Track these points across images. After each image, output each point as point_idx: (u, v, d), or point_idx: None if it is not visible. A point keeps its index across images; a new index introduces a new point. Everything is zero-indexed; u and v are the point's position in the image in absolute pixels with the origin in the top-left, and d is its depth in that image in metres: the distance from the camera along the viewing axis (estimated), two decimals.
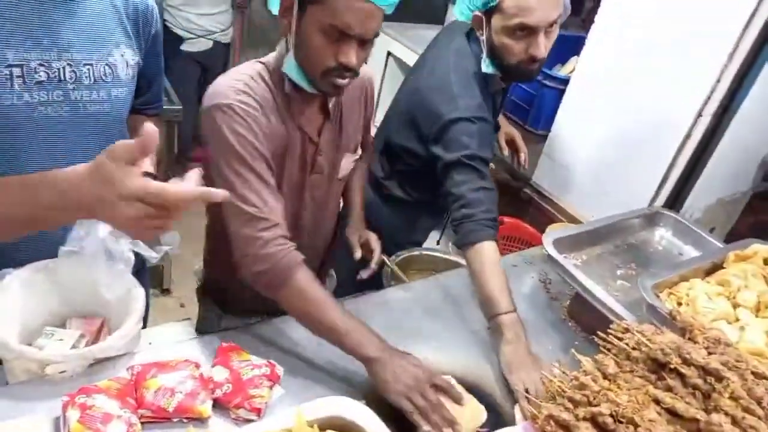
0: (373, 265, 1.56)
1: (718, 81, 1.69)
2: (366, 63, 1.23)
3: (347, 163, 1.42)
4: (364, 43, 1.15)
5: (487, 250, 1.41)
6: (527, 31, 1.46)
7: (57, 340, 1.20)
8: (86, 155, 1.14)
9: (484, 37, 1.55)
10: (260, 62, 1.26)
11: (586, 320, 1.48)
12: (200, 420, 1.05)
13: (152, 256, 1.20)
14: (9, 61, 1.05)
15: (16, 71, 1.06)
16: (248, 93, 1.18)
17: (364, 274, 1.55)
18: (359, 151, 1.46)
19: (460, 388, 1.16)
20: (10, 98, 1.07)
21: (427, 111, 1.58)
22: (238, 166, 1.16)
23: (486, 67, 1.58)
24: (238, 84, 1.19)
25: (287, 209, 1.29)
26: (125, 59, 1.20)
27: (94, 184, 0.72)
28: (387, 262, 1.75)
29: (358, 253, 1.55)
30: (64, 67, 1.11)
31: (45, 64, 1.09)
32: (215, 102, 1.16)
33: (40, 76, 1.09)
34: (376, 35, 1.15)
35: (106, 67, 1.17)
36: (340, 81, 1.17)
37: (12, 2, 1.05)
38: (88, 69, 1.14)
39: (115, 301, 1.22)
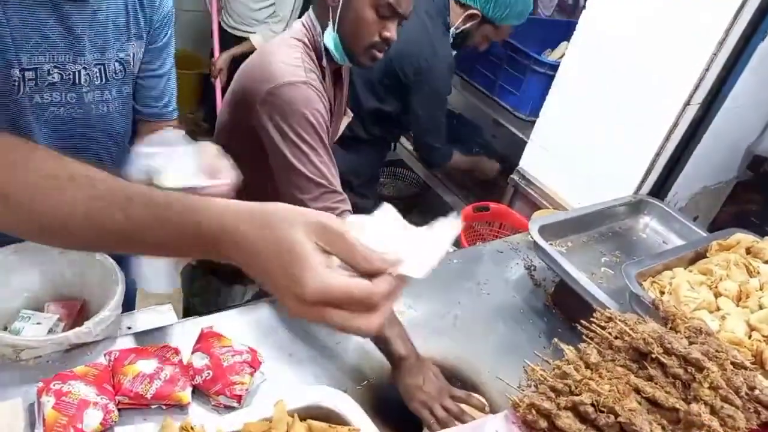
0: None
1: (707, 69, 1.68)
2: None
3: (343, 126, 1.53)
4: (403, 19, 1.27)
5: None
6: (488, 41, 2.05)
7: (34, 324, 1.18)
8: (94, 151, 1.17)
9: None
10: (294, 38, 1.30)
11: (570, 307, 1.49)
12: (179, 407, 1.03)
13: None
14: (23, 65, 1.01)
15: (29, 74, 1.02)
16: (312, 71, 1.25)
17: None
18: (349, 114, 1.57)
19: (478, 397, 1.16)
20: (21, 100, 1.04)
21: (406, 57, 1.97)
22: (312, 139, 1.19)
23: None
24: (299, 62, 1.24)
25: None
26: (135, 53, 1.16)
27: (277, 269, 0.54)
28: None
29: None
30: (79, 71, 1.07)
31: (59, 66, 1.05)
32: (287, 80, 1.19)
33: (53, 77, 1.05)
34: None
35: (117, 64, 1.13)
36: (379, 54, 1.29)
37: (29, 5, 1.00)
38: (99, 69, 1.10)
39: (94, 284, 1.20)
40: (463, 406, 1.12)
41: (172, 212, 0.58)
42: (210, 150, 1.03)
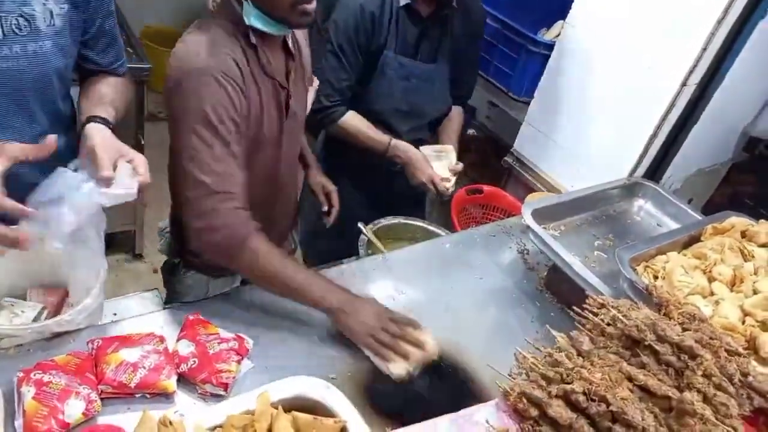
0: (332, 219, 1.66)
1: (704, 49, 1.65)
2: None
3: (310, 97, 1.47)
4: None
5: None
6: None
7: (17, 312, 1.15)
8: (2, 114, 1.07)
9: None
10: (212, 21, 1.20)
11: (562, 292, 1.47)
12: (165, 396, 1.01)
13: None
14: None
15: None
16: (222, 54, 1.14)
17: (327, 223, 1.62)
18: (315, 83, 1.51)
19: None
20: None
21: None
22: (206, 133, 1.12)
23: None
24: (208, 46, 1.14)
25: (266, 166, 1.34)
26: (48, 8, 1.06)
27: None
28: (364, 230, 1.73)
29: (325, 206, 1.64)
30: None
31: None
32: (189, 67, 1.12)
33: None
34: None
35: (20, 19, 1.03)
36: (309, 7, 1.16)
37: None
38: None
39: (77, 270, 1.17)
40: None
41: None
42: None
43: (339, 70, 1.74)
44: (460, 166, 1.89)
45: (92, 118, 1.08)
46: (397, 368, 1.14)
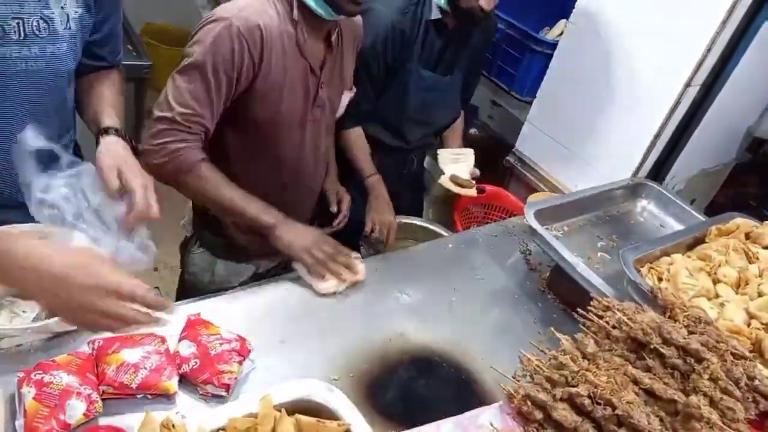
0: (335, 224, 1.64)
1: (709, 50, 1.64)
2: None
3: (345, 100, 1.48)
4: None
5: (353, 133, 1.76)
6: None
7: (17, 312, 1.14)
8: (16, 113, 1.09)
9: None
10: None
11: (565, 292, 1.46)
12: (166, 396, 1.01)
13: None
14: None
15: None
16: (251, 15, 1.20)
17: (327, 231, 1.58)
18: (354, 89, 1.52)
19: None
20: None
21: None
22: (195, 71, 1.20)
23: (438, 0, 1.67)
24: (247, 4, 1.21)
25: (288, 150, 1.40)
26: (65, 12, 1.09)
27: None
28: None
29: (334, 207, 1.63)
30: None
31: None
32: (217, 13, 1.20)
33: None
34: None
35: (41, 21, 1.05)
36: (355, 7, 1.23)
37: None
38: (18, 23, 1.02)
39: None
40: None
41: None
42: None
43: (363, 93, 1.71)
44: (478, 171, 1.93)
45: (106, 131, 1.16)
46: (327, 286, 1.29)
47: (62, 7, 1.07)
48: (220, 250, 1.54)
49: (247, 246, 1.52)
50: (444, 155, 1.92)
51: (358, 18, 1.46)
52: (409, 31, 1.70)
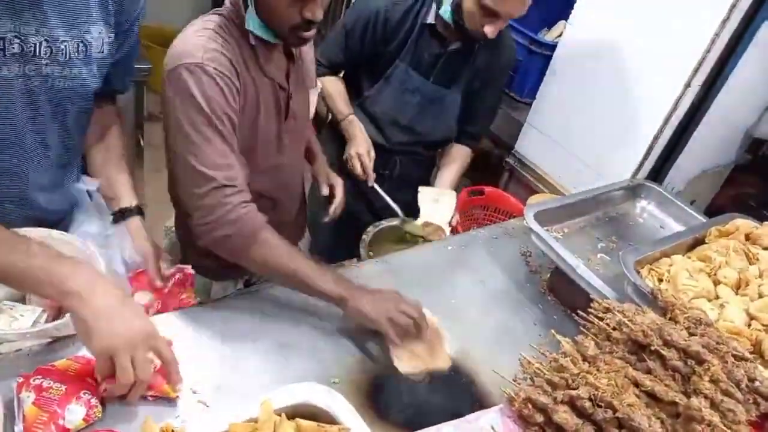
0: (332, 211, 1.59)
1: (708, 51, 1.64)
2: None
3: (314, 98, 1.45)
4: None
5: None
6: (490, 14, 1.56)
7: (16, 316, 1.14)
8: (48, 125, 1.15)
9: None
10: (217, 14, 1.21)
11: (566, 295, 1.46)
12: (167, 399, 1.00)
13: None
14: None
15: None
16: (217, 50, 1.15)
17: (326, 218, 1.56)
18: (319, 85, 1.50)
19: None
20: None
21: None
22: (204, 128, 1.12)
23: (444, 12, 1.65)
24: (204, 41, 1.14)
25: (266, 167, 1.34)
26: (102, 37, 1.12)
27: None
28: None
29: (325, 190, 1.58)
30: (40, 42, 1.04)
31: (21, 37, 1.02)
32: (183, 62, 1.12)
33: (14, 48, 1.02)
34: None
35: (81, 44, 1.09)
36: (307, 34, 1.18)
37: None
38: (65, 46, 1.07)
39: None
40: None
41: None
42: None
43: (337, 47, 1.77)
44: (457, 218, 1.85)
45: (128, 212, 1.31)
46: (406, 367, 1.14)
47: (100, 32, 1.11)
48: (212, 273, 1.50)
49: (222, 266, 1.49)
50: (424, 194, 1.84)
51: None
52: (396, 24, 1.68)
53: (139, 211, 1.32)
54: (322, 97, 1.80)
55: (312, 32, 1.18)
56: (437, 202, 1.83)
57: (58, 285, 0.88)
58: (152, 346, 0.92)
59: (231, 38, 1.18)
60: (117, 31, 1.16)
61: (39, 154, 1.16)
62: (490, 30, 1.58)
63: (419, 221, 1.81)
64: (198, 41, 1.14)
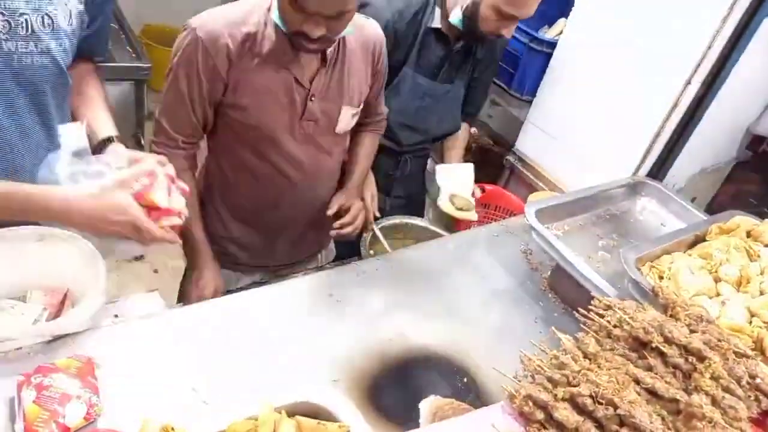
0: (336, 225, 1.51)
1: (709, 47, 1.63)
2: (342, 31, 1.22)
3: (347, 115, 1.41)
4: (332, 18, 1.13)
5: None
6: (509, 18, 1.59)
7: (18, 314, 1.14)
8: (22, 107, 1.11)
9: None
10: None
11: (566, 292, 1.46)
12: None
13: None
14: None
15: None
16: (220, 27, 1.21)
17: (331, 232, 1.54)
18: (360, 106, 1.45)
19: None
20: None
21: None
22: (170, 87, 1.27)
23: (454, 18, 1.65)
24: (231, 14, 1.23)
25: (276, 161, 1.38)
26: (68, 8, 1.09)
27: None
28: (372, 226, 1.72)
29: (330, 210, 1.52)
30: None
31: None
32: (193, 21, 1.22)
33: None
34: (343, 13, 1.14)
35: (46, 17, 1.06)
36: (309, 46, 1.19)
37: None
38: (26, 19, 1.03)
39: (77, 272, 1.16)
40: None
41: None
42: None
43: None
44: (479, 191, 1.93)
45: (109, 140, 1.18)
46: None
47: (66, 3, 1.08)
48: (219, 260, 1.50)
49: (237, 256, 1.52)
50: (442, 172, 1.87)
51: (370, 26, 1.41)
52: (403, 34, 1.68)
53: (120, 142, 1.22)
54: None
55: (315, 46, 1.20)
56: (457, 176, 1.88)
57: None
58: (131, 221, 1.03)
59: (265, 21, 1.24)
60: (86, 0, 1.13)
61: (18, 144, 1.12)
62: (507, 32, 1.63)
63: (442, 197, 1.85)
64: (225, 13, 1.23)
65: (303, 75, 1.29)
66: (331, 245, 1.77)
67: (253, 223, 1.50)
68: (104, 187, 1.03)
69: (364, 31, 1.38)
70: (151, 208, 1.06)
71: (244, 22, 1.23)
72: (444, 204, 1.84)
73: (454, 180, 1.87)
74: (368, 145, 1.62)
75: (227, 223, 1.49)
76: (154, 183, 1.06)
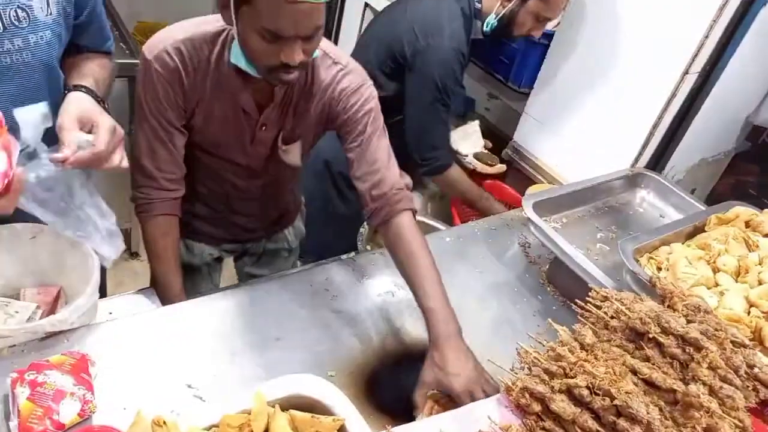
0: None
1: (707, 37, 1.62)
2: (312, 54, 1.12)
3: (295, 148, 1.34)
4: (308, 38, 1.06)
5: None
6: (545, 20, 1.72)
7: (11, 313, 1.14)
8: (7, 107, 1.01)
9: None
10: (211, 20, 1.19)
11: (565, 285, 1.45)
12: None
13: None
14: None
15: None
16: (171, 52, 1.15)
17: None
18: (313, 141, 1.37)
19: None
20: None
21: (408, 34, 1.74)
22: (141, 121, 1.23)
23: (487, 26, 1.74)
24: (178, 41, 1.16)
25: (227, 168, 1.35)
26: None
27: None
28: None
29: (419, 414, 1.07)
30: None
31: None
32: (147, 46, 1.17)
33: None
34: (318, 28, 1.06)
35: (19, 11, 1.00)
36: (287, 77, 1.11)
37: None
38: None
39: (71, 270, 1.16)
40: None
41: None
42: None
43: (445, 125, 1.84)
44: (489, 144, 2.06)
45: (75, 87, 1.07)
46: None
47: None
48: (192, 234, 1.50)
49: (200, 229, 1.51)
50: (454, 136, 1.94)
51: (347, 77, 1.25)
52: (465, 59, 1.78)
53: (88, 90, 1.10)
54: (449, 184, 1.92)
55: (293, 75, 1.11)
56: (469, 136, 2.02)
57: None
58: None
59: (211, 52, 1.17)
60: None
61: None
62: (537, 33, 1.75)
63: (470, 160, 2.00)
64: (171, 39, 1.16)
65: (252, 108, 1.23)
66: (299, 223, 1.74)
67: (213, 207, 1.48)
68: None
69: (331, 73, 1.26)
70: None
71: (202, 48, 1.17)
72: (476, 164, 1.96)
73: (468, 141, 1.92)
74: (422, 244, 1.23)
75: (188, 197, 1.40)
76: None
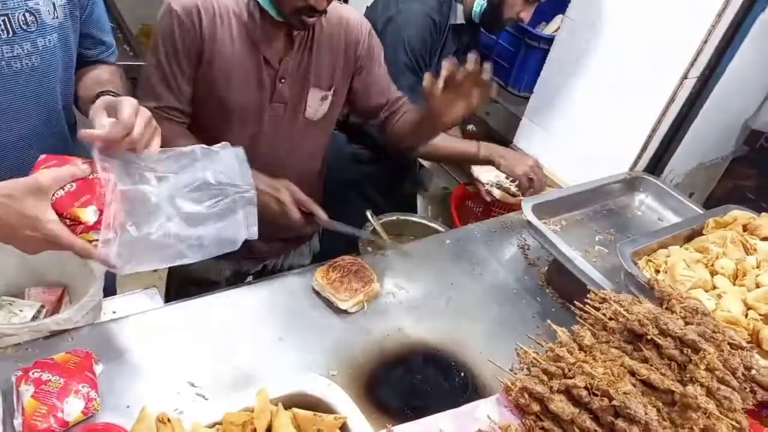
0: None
1: (705, 42, 1.63)
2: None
3: (315, 100, 1.40)
4: None
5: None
6: (532, 2, 1.68)
7: (15, 311, 1.15)
8: (21, 115, 1.06)
9: None
10: None
11: (564, 287, 1.46)
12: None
13: None
14: None
15: None
16: (204, 2, 1.22)
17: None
18: (331, 90, 1.43)
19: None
20: None
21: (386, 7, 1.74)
22: (152, 63, 1.28)
23: (477, 6, 1.71)
24: None
25: (245, 133, 1.36)
26: (51, 1, 1.04)
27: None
28: (370, 219, 1.72)
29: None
30: None
31: None
32: (172, 2, 1.24)
33: None
34: None
35: (27, 15, 1.01)
36: (309, 20, 1.21)
37: None
38: (3, 20, 0.98)
39: (75, 269, 1.17)
40: None
41: None
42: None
43: (418, 89, 1.74)
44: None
45: (102, 93, 1.06)
46: (349, 304, 1.24)
47: None
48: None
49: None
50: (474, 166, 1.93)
51: (357, 21, 1.41)
52: (438, 27, 1.70)
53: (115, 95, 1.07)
54: (437, 151, 1.77)
55: (313, 19, 1.22)
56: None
57: None
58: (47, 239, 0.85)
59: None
60: None
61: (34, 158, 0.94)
62: (526, 15, 1.69)
63: (493, 191, 1.96)
64: None
65: (273, 55, 1.30)
66: (315, 241, 1.76)
67: None
68: (15, 189, 0.80)
69: (341, 16, 1.39)
70: (76, 222, 0.87)
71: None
72: (499, 194, 1.94)
73: (491, 169, 1.92)
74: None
75: None
76: (84, 189, 0.86)
